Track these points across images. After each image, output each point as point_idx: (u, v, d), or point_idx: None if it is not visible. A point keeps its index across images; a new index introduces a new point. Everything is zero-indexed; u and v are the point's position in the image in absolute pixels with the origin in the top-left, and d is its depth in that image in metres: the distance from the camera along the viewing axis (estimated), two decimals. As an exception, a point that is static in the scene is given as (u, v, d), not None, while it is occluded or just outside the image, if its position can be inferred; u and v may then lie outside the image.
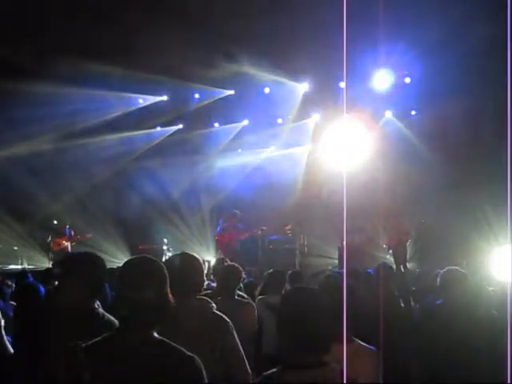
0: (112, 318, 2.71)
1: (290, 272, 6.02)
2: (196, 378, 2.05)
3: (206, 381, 2.08)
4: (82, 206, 13.14)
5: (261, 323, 4.60)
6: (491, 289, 5.48)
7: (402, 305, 5.13)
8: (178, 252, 3.24)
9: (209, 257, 12.16)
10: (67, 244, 12.61)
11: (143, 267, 2.13)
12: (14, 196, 12.13)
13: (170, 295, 2.14)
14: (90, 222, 13.07)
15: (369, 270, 5.76)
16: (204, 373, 2.07)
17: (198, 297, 3.06)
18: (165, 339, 2.10)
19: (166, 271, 2.16)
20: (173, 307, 2.16)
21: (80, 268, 2.77)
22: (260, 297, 5.54)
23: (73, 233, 12.77)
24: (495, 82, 11.00)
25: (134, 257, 2.25)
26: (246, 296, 5.08)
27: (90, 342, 2.07)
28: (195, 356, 2.08)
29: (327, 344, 2.15)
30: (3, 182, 11.76)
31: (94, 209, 13.13)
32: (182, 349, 2.08)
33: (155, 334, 2.09)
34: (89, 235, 12.80)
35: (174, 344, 2.09)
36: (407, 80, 12.22)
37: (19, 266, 11.97)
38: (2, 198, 11.95)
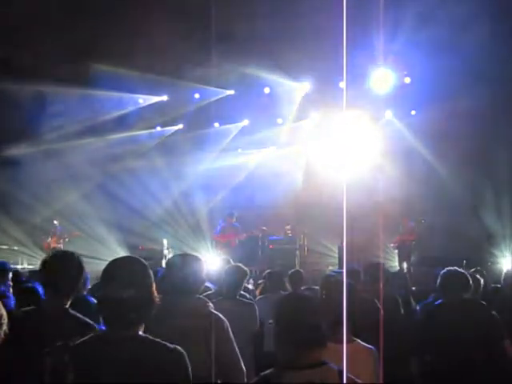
0: (87, 319, 2.72)
1: (290, 272, 6.03)
2: (179, 369, 2.07)
3: (190, 369, 2.09)
4: (81, 207, 13.14)
5: (262, 322, 4.62)
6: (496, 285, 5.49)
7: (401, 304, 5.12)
8: (178, 252, 3.26)
9: (208, 257, 12.15)
10: (60, 243, 12.60)
11: (125, 267, 2.13)
12: (15, 196, 12.14)
13: (155, 294, 2.14)
14: (90, 222, 13.07)
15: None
16: (187, 362, 2.08)
17: (197, 296, 3.08)
18: (148, 336, 2.10)
19: (149, 270, 2.15)
20: (159, 303, 2.15)
21: (50, 268, 2.75)
22: (260, 296, 5.56)
23: (66, 234, 12.77)
24: (495, 81, 11.06)
25: (117, 257, 2.25)
26: (248, 296, 5.10)
27: (76, 342, 2.07)
28: (177, 347, 2.09)
29: (324, 344, 2.16)
30: (4, 182, 11.77)
31: (93, 209, 13.14)
32: (165, 343, 2.08)
33: (140, 333, 2.09)
34: (77, 233, 12.80)
35: (157, 340, 2.09)
36: (407, 80, 12.22)
37: (19, 266, 11.97)
38: (3, 199, 11.96)
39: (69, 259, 2.81)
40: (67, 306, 2.75)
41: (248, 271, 4.72)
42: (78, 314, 2.76)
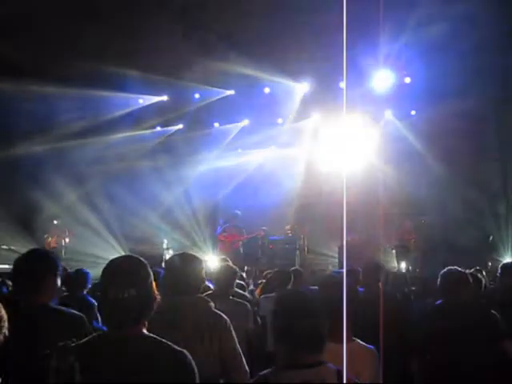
0: (77, 313, 2.72)
1: (290, 270, 6.03)
2: (186, 373, 2.05)
3: (197, 375, 2.07)
4: (81, 207, 13.14)
5: (264, 321, 4.63)
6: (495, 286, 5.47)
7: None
8: (178, 252, 3.25)
9: (208, 257, 12.15)
10: (60, 243, 12.59)
11: (124, 266, 2.13)
12: (15, 196, 12.13)
13: (156, 292, 2.14)
14: (90, 222, 13.07)
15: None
16: (195, 367, 2.07)
17: (197, 296, 3.07)
18: (154, 336, 2.09)
19: (149, 269, 2.16)
20: (160, 304, 2.15)
21: (25, 266, 2.77)
22: (264, 295, 5.56)
23: (66, 234, 12.77)
24: (495, 81, 11.05)
25: (116, 256, 2.25)
26: (248, 296, 5.10)
27: (80, 342, 2.07)
28: (184, 351, 2.08)
29: (322, 343, 2.15)
30: (4, 182, 11.77)
31: (93, 209, 13.13)
32: (172, 344, 2.07)
33: (144, 331, 2.09)
34: (72, 232, 12.79)
35: (164, 340, 2.08)
36: (407, 80, 12.21)
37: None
38: (3, 199, 11.95)
39: (37, 258, 2.81)
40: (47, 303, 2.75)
41: (237, 270, 4.74)
42: (62, 308, 2.76)
